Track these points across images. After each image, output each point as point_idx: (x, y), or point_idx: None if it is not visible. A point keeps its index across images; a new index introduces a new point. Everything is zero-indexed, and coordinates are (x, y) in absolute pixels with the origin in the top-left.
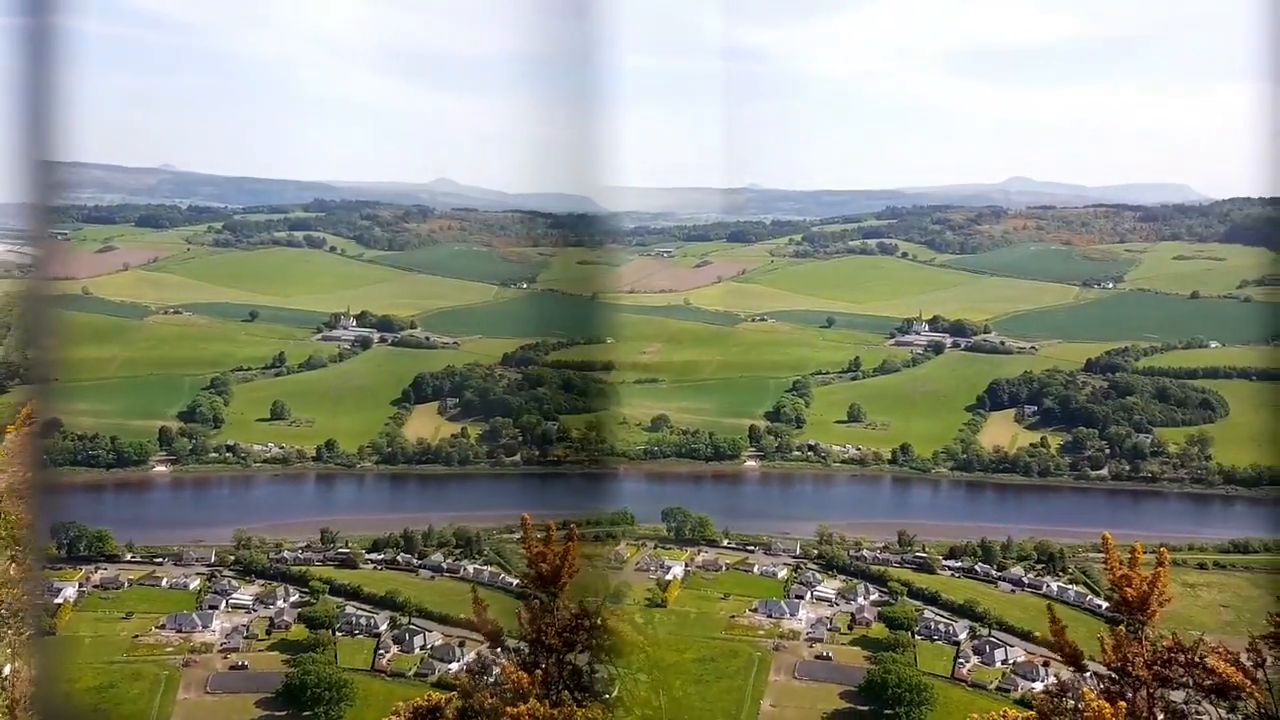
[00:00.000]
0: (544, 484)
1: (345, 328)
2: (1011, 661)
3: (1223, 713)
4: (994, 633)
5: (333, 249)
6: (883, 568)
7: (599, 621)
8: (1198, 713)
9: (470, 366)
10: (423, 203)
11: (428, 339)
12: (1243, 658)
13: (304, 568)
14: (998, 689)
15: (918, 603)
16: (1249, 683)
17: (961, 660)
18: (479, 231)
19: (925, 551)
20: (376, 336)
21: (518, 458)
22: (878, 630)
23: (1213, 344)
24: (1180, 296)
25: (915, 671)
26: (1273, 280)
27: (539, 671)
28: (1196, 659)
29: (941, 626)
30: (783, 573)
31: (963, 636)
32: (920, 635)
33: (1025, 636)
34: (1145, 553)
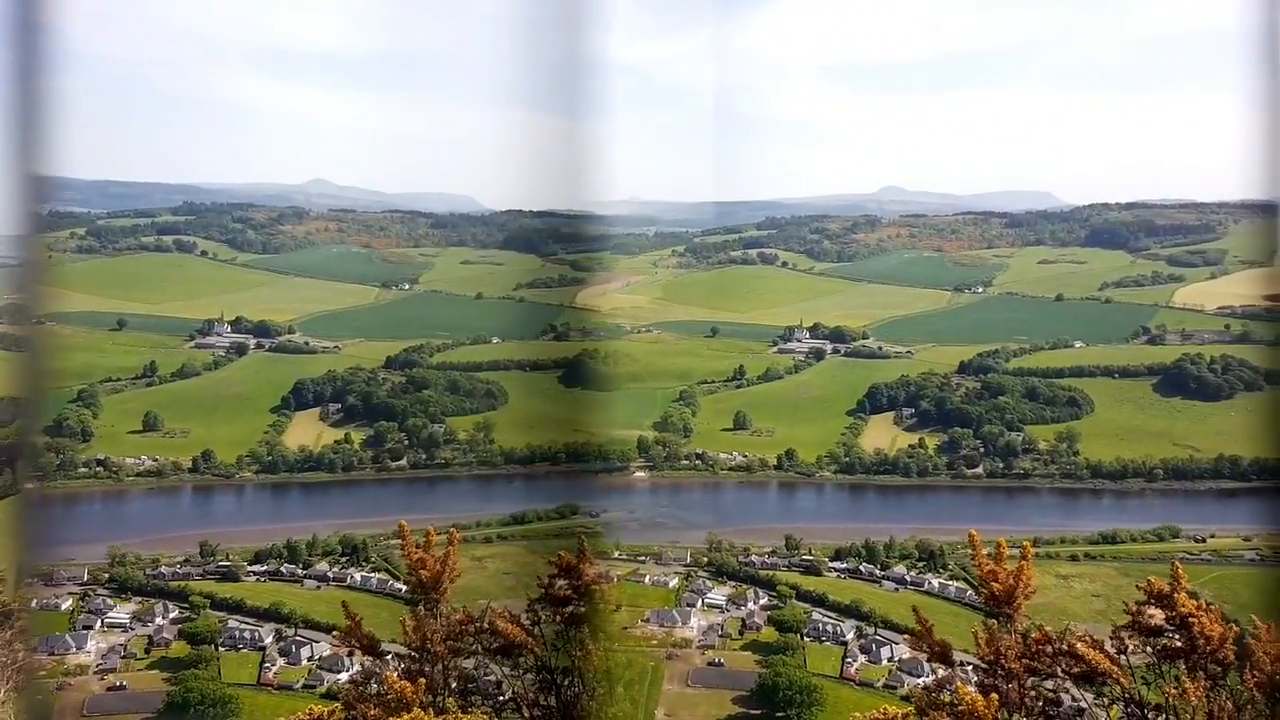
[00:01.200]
0: (431, 488)
1: (220, 334)
2: (897, 659)
3: (1090, 698)
4: (879, 631)
5: (204, 253)
6: (771, 572)
7: (487, 625)
8: (1073, 700)
9: (352, 370)
10: (297, 204)
11: (307, 343)
12: (1107, 645)
13: (183, 583)
14: (884, 686)
15: (806, 605)
16: (1114, 669)
17: (849, 660)
18: (357, 233)
19: (812, 554)
20: (254, 342)
21: (404, 462)
22: (768, 634)
23: (1077, 344)
24: (1046, 299)
25: (805, 673)
26: (1131, 282)
27: (422, 680)
28: (1064, 648)
29: (829, 627)
30: (674, 582)
31: (850, 636)
32: (809, 637)
33: (910, 633)
34: (1011, 547)
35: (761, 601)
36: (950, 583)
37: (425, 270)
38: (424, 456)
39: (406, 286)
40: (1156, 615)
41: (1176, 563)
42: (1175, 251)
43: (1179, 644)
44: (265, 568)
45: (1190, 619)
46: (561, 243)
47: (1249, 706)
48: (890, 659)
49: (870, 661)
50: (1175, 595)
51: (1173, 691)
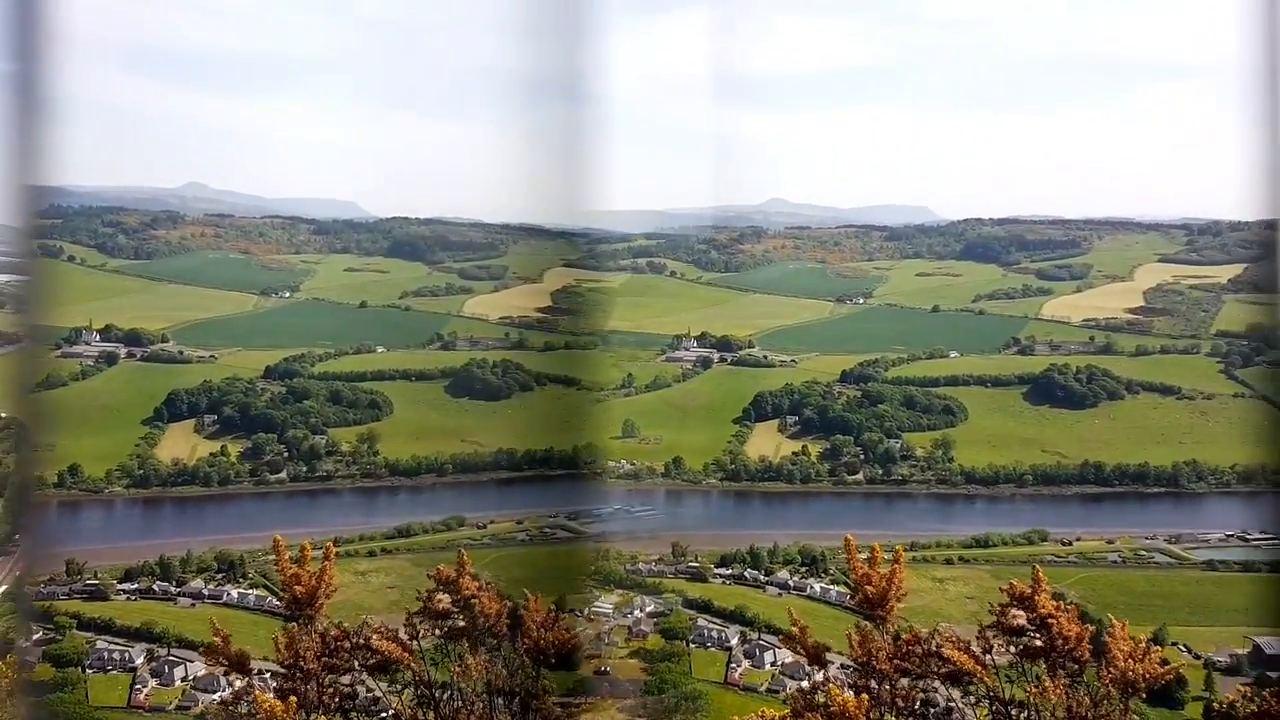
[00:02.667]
0: (313, 501)
1: (88, 343)
2: (780, 663)
3: (958, 696)
4: (763, 636)
5: (71, 258)
6: (658, 579)
7: (363, 641)
8: (947, 699)
9: (229, 380)
10: (172, 208)
11: (181, 352)
12: (973, 645)
13: (47, 603)
14: (768, 690)
15: (691, 611)
16: (979, 669)
17: (733, 665)
18: (235, 238)
19: (698, 561)
20: (124, 351)
21: (284, 474)
22: (654, 642)
23: (952, 354)
24: (923, 310)
25: (690, 679)
26: (1002, 294)
27: (294, 698)
28: (933, 649)
29: (714, 633)
30: None
31: (734, 642)
32: (694, 643)
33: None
34: (886, 551)
35: (648, 609)
36: (832, 587)
37: (306, 277)
38: (305, 469)
39: (286, 294)
40: (1019, 616)
41: (1037, 566)
42: (1044, 266)
43: (1040, 643)
44: (136, 586)
45: (1050, 619)
46: (450, 250)
47: (1105, 702)
48: (773, 663)
49: (754, 666)
50: (1036, 597)
51: (1034, 689)
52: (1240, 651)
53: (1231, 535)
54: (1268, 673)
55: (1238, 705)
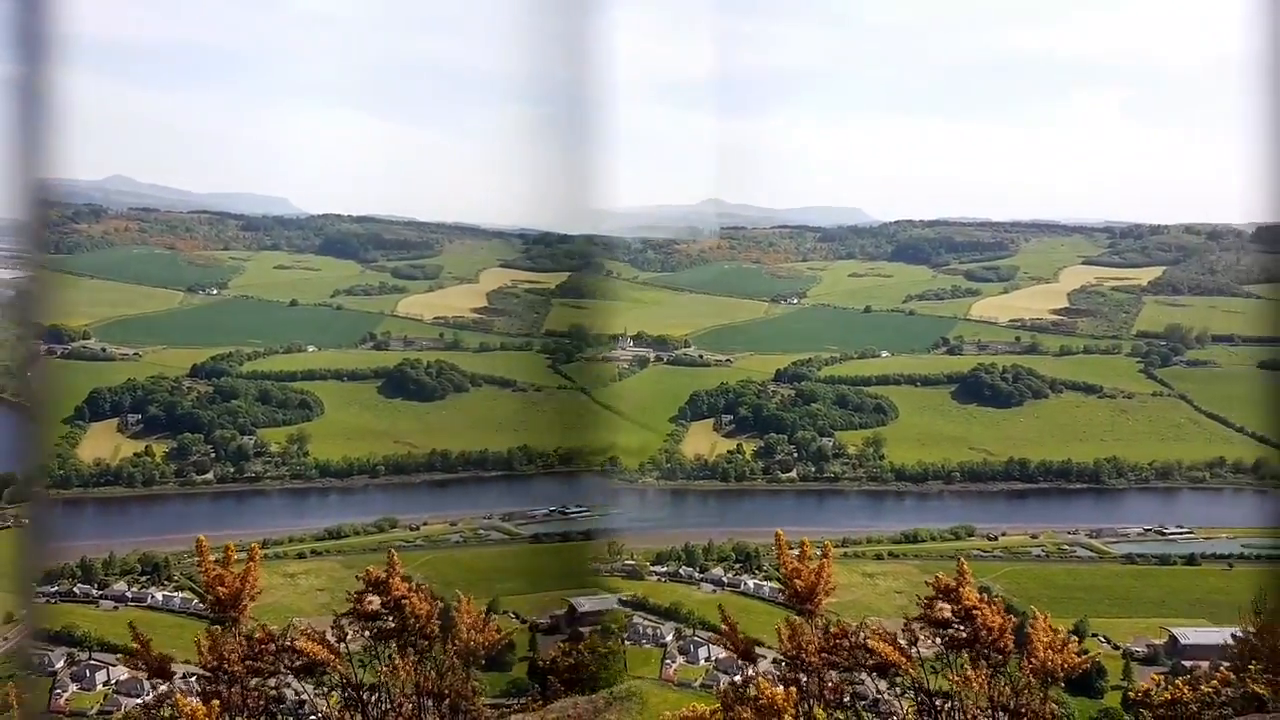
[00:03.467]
0: (241, 503)
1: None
2: (714, 658)
3: (883, 686)
4: (697, 632)
5: None
6: (594, 577)
7: (289, 643)
8: (876, 693)
9: (154, 379)
10: (95, 201)
11: (104, 350)
12: (900, 638)
13: None
14: (701, 686)
15: (627, 609)
16: (904, 660)
17: (668, 661)
18: (160, 233)
19: (634, 559)
20: (44, 349)
21: (210, 475)
22: (591, 641)
23: (883, 353)
24: (855, 310)
25: (626, 676)
26: (932, 295)
27: (216, 701)
28: (860, 642)
29: (649, 630)
30: None
31: (669, 638)
32: (630, 640)
33: (719, 633)
34: (815, 547)
35: (584, 608)
36: (765, 583)
37: (235, 274)
38: (232, 470)
39: (214, 291)
40: (945, 609)
41: (962, 560)
42: (973, 267)
43: (964, 635)
44: (56, 588)
45: (974, 611)
46: (383, 249)
47: (1025, 691)
48: (707, 659)
49: (688, 662)
50: (961, 590)
51: (958, 680)
52: (1157, 642)
53: (1150, 530)
54: (1183, 662)
55: (1152, 693)
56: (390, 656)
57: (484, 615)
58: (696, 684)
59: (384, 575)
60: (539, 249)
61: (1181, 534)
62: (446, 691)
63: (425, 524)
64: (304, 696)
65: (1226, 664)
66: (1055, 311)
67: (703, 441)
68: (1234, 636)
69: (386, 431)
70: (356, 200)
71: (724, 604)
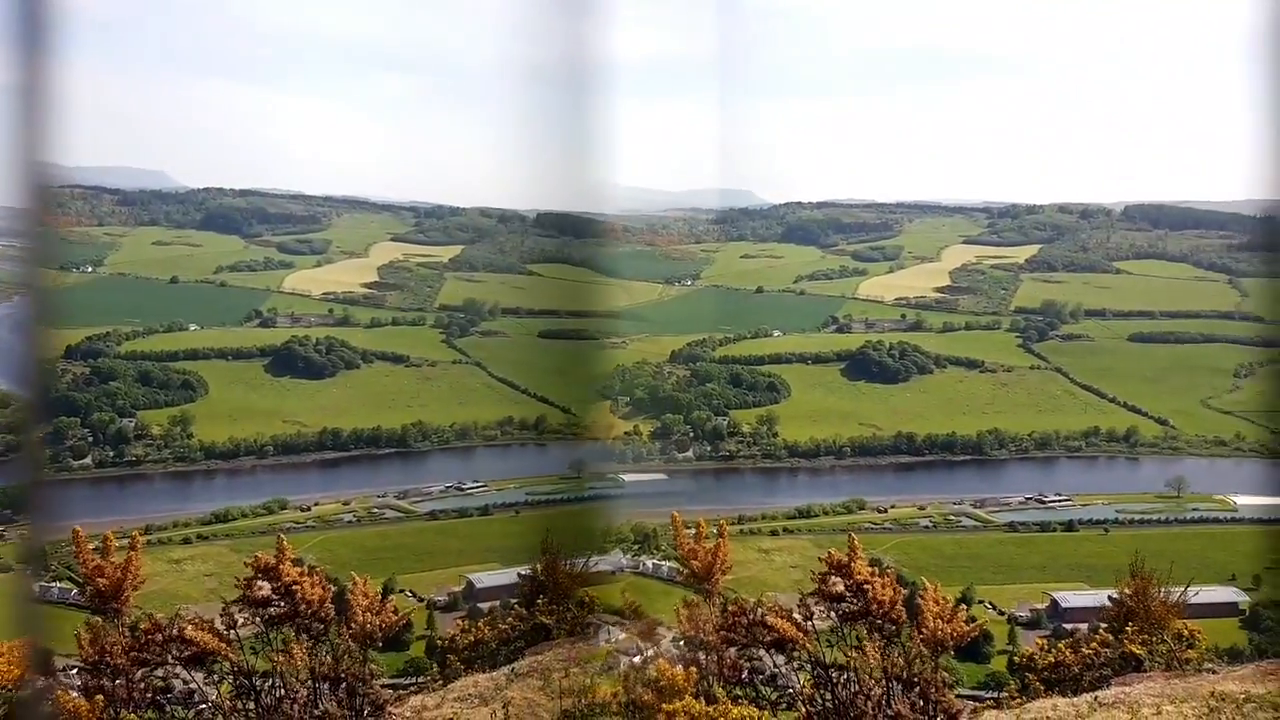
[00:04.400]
0: (122, 488)
1: None
2: (614, 640)
3: (781, 661)
4: (599, 615)
5: None
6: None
7: (176, 633)
8: (775, 668)
9: None
10: None
11: None
12: (795, 613)
13: None
14: (603, 668)
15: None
16: (800, 635)
17: None
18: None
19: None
20: None
21: (88, 460)
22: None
23: (775, 333)
24: (748, 291)
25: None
26: (821, 275)
27: (100, 696)
28: (758, 619)
29: None
30: None
31: None
32: None
33: (627, 616)
34: (710, 525)
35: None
36: (664, 563)
37: (111, 251)
38: (112, 454)
39: (89, 269)
40: (838, 583)
41: (853, 535)
42: (859, 248)
43: (856, 608)
44: None
45: (865, 585)
46: (268, 224)
47: (917, 660)
48: (608, 640)
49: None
50: (853, 564)
51: (853, 652)
52: (1040, 606)
53: (1030, 498)
54: (1064, 625)
55: (1036, 657)
56: (284, 642)
57: (380, 596)
58: (597, 665)
59: (273, 561)
60: (431, 223)
61: (1060, 501)
62: (343, 675)
63: (317, 504)
64: (193, 686)
65: (1105, 626)
66: (938, 289)
67: (599, 423)
68: (1111, 599)
69: (275, 410)
70: (240, 173)
71: (624, 585)
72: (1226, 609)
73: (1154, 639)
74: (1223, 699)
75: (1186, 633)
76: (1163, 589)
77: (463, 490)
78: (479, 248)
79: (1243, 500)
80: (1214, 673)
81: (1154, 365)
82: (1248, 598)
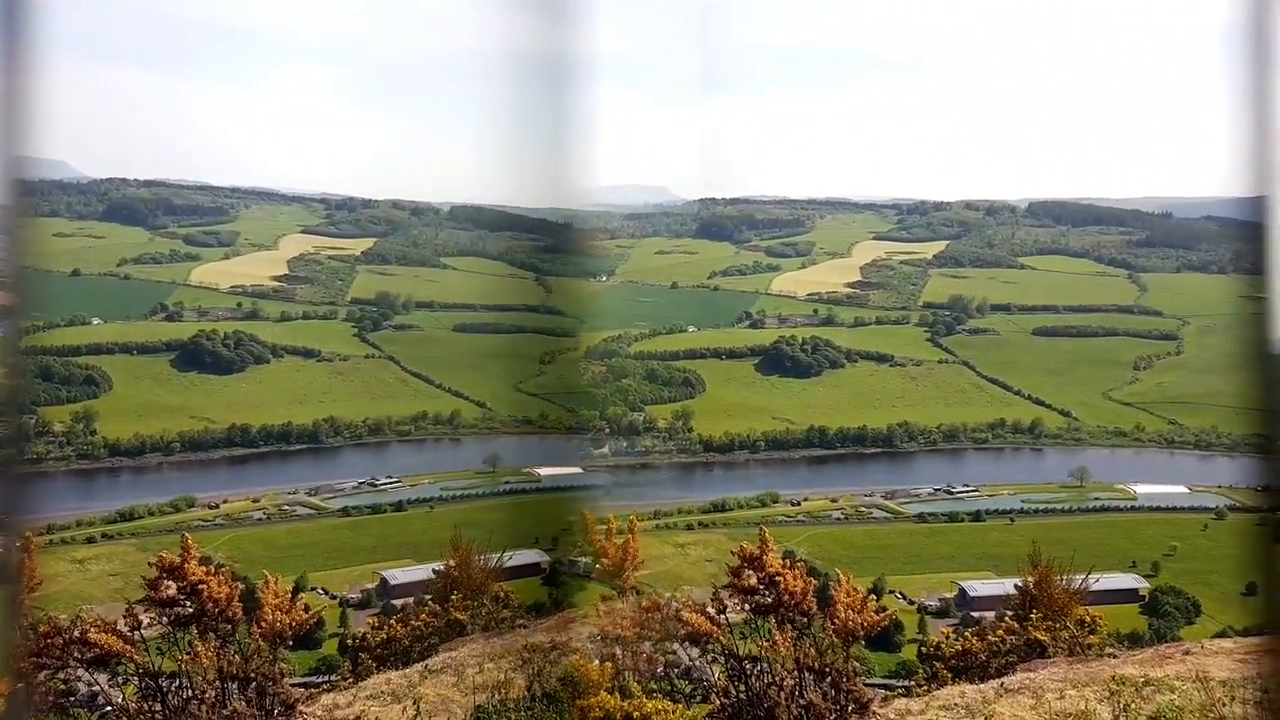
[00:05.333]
0: (24, 486)
1: None
2: (530, 635)
3: (695, 654)
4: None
5: None
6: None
7: (79, 635)
8: (691, 661)
9: None
10: None
11: None
12: (709, 607)
13: None
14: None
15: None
16: (714, 629)
17: None
18: None
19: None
20: None
21: None
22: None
23: (690, 328)
24: (662, 287)
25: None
26: (735, 271)
27: None
28: (672, 613)
29: None
30: None
31: None
32: None
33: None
34: (620, 521)
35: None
36: (581, 559)
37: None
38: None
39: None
40: (751, 576)
41: (764, 528)
42: (772, 243)
43: (769, 600)
44: None
45: (777, 577)
46: (174, 215)
47: (829, 651)
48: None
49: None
50: (765, 557)
51: (765, 644)
52: (948, 595)
53: (939, 489)
54: (972, 613)
55: (944, 645)
56: (190, 643)
57: (290, 594)
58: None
59: (178, 560)
60: (343, 215)
61: (968, 492)
62: (253, 675)
63: (226, 502)
64: (97, 689)
65: (1010, 614)
66: (849, 285)
67: None
68: (1016, 587)
69: (181, 407)
70: (145, 164)
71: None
72: (1127, 595)
73: (1057, 625)
74: (1123, 682)
75: (1088, 619)
76: (1065, 577)
77: (376, 486)
78: (392, 240)
79: (1142, 489)
80: (1115, 657)
81: (1057, 358)
82: (1147, 584)
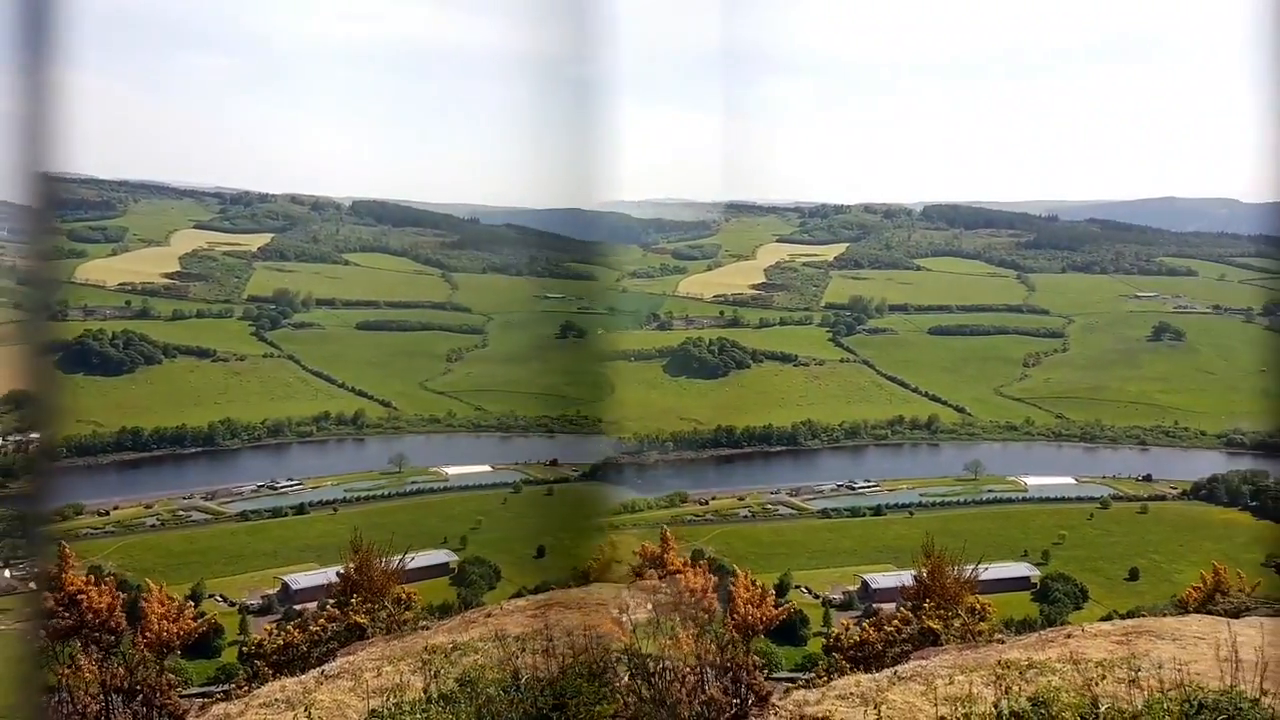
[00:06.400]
0: None
1: None
2: (432, 636)
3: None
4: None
5: None
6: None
7: None
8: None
9: None
10: None
11: None
12: (612, 608)
13: None
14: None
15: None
16: (617, 629)
17: None
18: None
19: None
20: None
21: None
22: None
23: (599, 330)
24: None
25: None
26: (644, 274)
27: None
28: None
29: None
30: None
31: None
32: None
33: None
34: None
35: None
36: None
37: None
38: None
39: None
40: (653, 575)
41: (665, 528)
42: (678, 246)
43: (669, 598)
44: None
45: (678, 574)
46: (58, 209)
47: (730, 646)
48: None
49: None
50: (666, 556)
51: (666, 641)
52: (851, 588)
53: (841, 485)
54: (874, 605)
55: (842, 637)
56: (72, 655)
57: (180, 603)
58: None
59: (56, 570)
60: (238, 210)
61: (869, 487)
62: (138, 686)
63: (116, 508)
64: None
65: (908, 604)
66: (754, 287)
67: None
68: (914, 578)
69: (68, 409)
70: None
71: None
72: (1020, 583)
73: (949, 614)
74: (1008, 666)
75: (979, 607)
76: (956, 567)
77: (276, 489)
78: (290, 236)
79: (1033, 481)
80: (1002, 642)
81: (952, 356)
82: (1038, 572)
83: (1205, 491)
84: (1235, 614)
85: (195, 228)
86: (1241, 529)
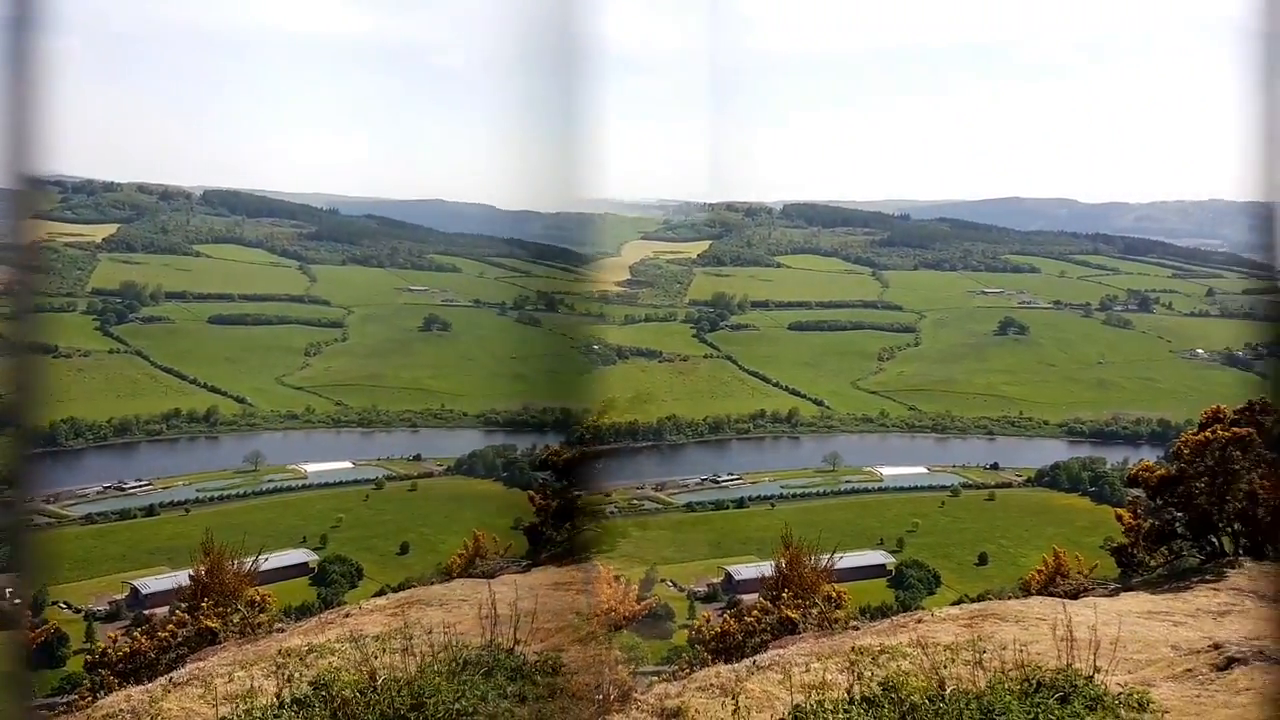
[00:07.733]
0: None
1: None
2: (287, 639)
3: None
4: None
5: None
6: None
7: None
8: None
9: None
10: None
11: None
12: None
13: None
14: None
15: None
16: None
17: None
18: None
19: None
20: None
21: None
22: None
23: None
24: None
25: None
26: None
27: None
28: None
29: None
30: None
31: None
32: None
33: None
34: None
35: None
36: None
37: None
38: None
39: None
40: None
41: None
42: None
43: None
44: None
45: None
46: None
47: (591, 641)
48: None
49: None
50: None
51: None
52: (716, 580)
53: (705, 479)
54: (739, 596)
55: (704, 629)
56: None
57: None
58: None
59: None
60: (81, 199)
61: (732, 481)
62: None
63: None
64: None
65: (768, 594)
66: (620, 284)
67: None
68: (774, 568)
69: None
70: None
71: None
72: (877, 570)
73: (807, 603)
74: (861, 652)
75: (835, 595)
76: (813, 556)
77: (124, 490)
78: (138, 226)
79: (887, 471)
80: (857, 629)
81: (811, 351)
82: (893, 559)
83: (1048, 478)
84: (1074, 595)
85: (36, 217)
86: (1081, 513)
